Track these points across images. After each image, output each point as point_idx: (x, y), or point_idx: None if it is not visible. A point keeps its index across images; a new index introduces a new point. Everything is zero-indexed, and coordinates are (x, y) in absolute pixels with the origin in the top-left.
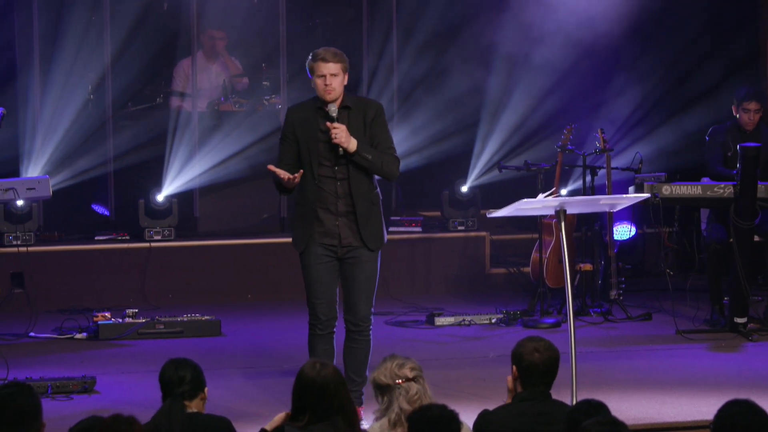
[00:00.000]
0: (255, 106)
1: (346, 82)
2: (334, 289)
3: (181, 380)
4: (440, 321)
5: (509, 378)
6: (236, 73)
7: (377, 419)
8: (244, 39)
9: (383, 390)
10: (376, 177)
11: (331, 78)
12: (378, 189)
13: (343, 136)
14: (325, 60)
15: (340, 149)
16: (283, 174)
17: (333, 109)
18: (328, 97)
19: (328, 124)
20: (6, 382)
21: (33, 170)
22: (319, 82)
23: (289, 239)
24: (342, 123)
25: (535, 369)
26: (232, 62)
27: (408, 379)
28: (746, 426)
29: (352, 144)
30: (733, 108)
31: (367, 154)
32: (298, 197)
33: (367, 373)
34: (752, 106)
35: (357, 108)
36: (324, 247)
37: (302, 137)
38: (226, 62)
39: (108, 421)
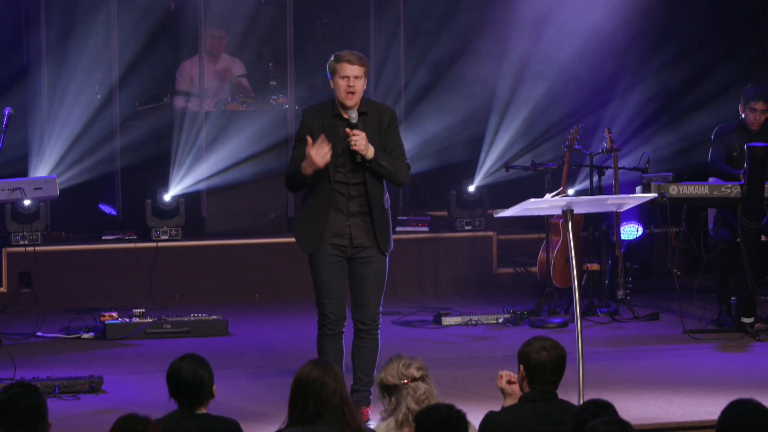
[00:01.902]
0: (262, 105)
1: (365, 87)
2: (344, 288)
3: (200, 382)
4: (447, 321)
5: (501, 381)
6: (238, 73)
7: (383, 419)
8: (252, 39)
9: (390, 390)
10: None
11: (355, 80)
12: (387, 194)
13: (362, 143)
14: (350, 62)
15: (358, 156)
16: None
17: (354, 116)
18: (349, 101)
19: (348, 130)
20: (13, 381)
21: (41, 170)
22: (341, 83)
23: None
24: (360, 129)
25: (543, 368)
26: (231, 63)
27: (415, 379)
28: (751, 426)
29: (370, 151)
30: (740, 107)
31: (383, 162)
32: (307, 200)
33: (375, 373)
34: (759, 105)
35: (373, 114)
36: (334, 246)
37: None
38: (226, 63)
39: (122, 420)
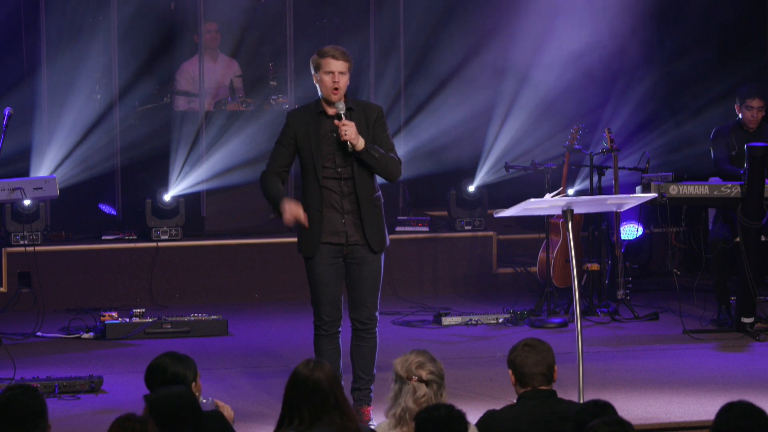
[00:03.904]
0: (262, 105)
1: (348, 83)
2: (339, 290)
3: (173, 380)
4: (447, 321)
5: None
6: (235, 74)
7: (387, 411)
8: (251, 38)
9: (396, 379)
10: (378, 181)
11: (339, 76)
12: (380, 192)
13: (352, 132)
14: (335, 57)
15: (349, 145)
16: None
17: (341, 107)
18: (335, 96)
19: (336, 122)
20: (13, 382)
21: (41, 170)
22: (326, 78)
23: (296, 239)
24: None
25: (529, 371)
26: (229, 64)
27: (421, 380)
28: (746, 428)
29: (360, 141)
30: (736, 107)
31: (374, 153)
32: (302, 202)
33: (375, 371)
34: (755, 103)
35: (359, 110)
36: (330, 246)
37: (303, 142)
38: (224, 63)
39: (120, 420)
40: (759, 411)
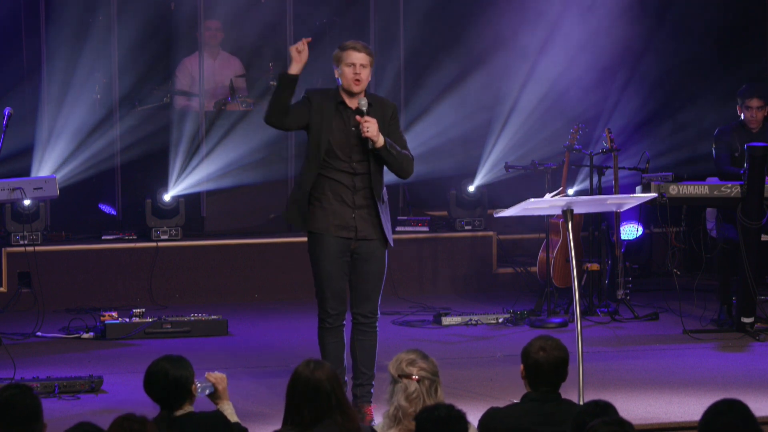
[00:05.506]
0: (262, 105)
1: (369, 78)
2: (344, 283)
3: (175, 383)
4: (447, 321)
5: None
6: (236, 73)
7: (384, 413)
8: (251, 38)
9: (391, 380)
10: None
11: (361, 68)
12: (385, 188)
13: (374, 129)
14: (356, 49)
15: (370, 143)
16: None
17: (363, 103)
18: (356, 87)
19: (358, 117)
20: (12, 381)
21: (42, 170)
22: (348, 70)
23: (296, 239)
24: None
25: (540, 368)
26: (230, 61)
27: (413, 377)
28: (733, 426)
29: (380, 138)
30: (738, 107)
31: (392, 150)
32: (305, 188)
33: (375, 370)
34: (754, 102)
35: (377, 105)
36: (338, 240)
37: (315, 122)
38: (225, 61)
39: (120, 420)
40: (746, 409)
